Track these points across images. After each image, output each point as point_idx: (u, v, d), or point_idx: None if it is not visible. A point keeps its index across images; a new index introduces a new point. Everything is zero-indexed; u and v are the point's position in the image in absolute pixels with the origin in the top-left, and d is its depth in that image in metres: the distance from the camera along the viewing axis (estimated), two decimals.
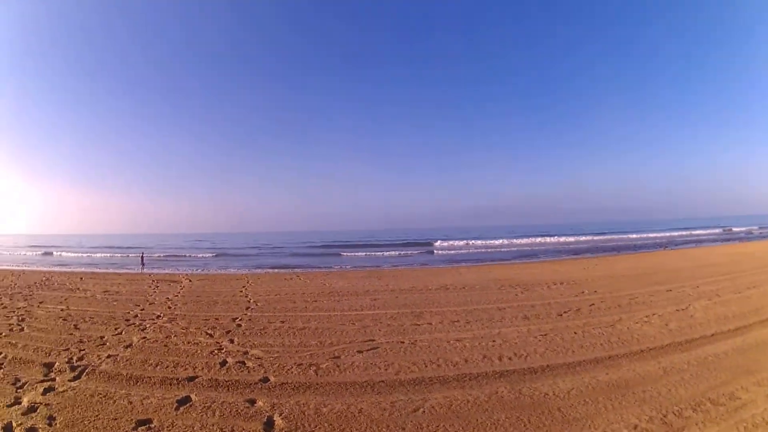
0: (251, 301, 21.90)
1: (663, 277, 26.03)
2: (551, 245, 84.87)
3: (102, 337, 14.31)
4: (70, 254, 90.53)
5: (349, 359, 11.48)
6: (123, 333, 14.98)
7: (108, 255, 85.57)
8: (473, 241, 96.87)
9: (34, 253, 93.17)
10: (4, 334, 14.98)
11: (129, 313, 18.81)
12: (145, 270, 47.09)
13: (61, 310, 19.69)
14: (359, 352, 12.16)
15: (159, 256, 74.67)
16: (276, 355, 12.09)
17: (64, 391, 9.41)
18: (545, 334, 13.40)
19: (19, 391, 9.48)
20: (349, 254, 77.08)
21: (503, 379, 9.68)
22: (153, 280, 32.49)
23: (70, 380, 10.15)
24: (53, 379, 10.21)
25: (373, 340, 13.36)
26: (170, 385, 9.86)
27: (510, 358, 11.10)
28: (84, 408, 8.57)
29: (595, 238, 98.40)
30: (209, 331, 15.06)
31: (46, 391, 9.45)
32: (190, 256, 78.01)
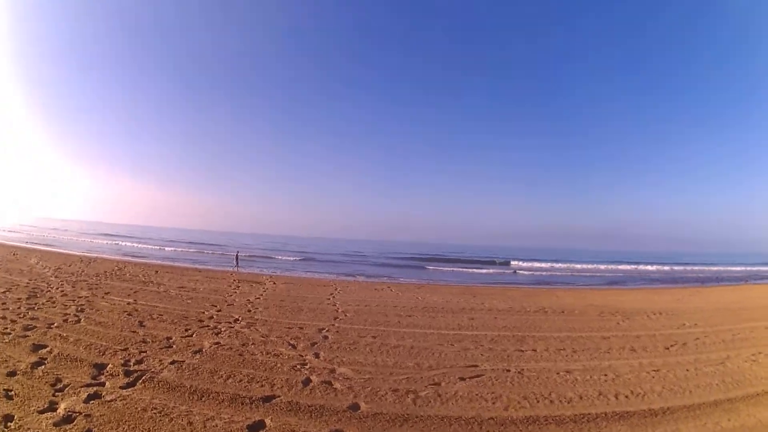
0: (340, 310, 20.61)
1: (759, 313, 24.46)
2: (635, 273, 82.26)
3: (169, 338, 13.05)
4: (146, 246, 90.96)
5: (451, 387, 10.25)
6: (194, 335, 13.72)
7: (189, 250, 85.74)
8: (556, 264, 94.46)
9: (108, 242, 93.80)
10: (56, 324, 13.78)
11: (203, 313, 17.61)
12: (240, 269, 45.97)
13: (128, 303, 18.58)
14: (462, 379, 10.92)
15: (242, 256, 74.48)
16: (367, 376, 10.74)
17: (111, 401, 8.04)
18: (657, 370, 12.38)
19: (57, 395, 8.16)
20: (434, 268, 75.76)
21: (623, 421, 8.69)
22: (234, 280, 31.72)
23: (121, 387, 8.80)
24: (102, 384, 8.87)
25: (476, 366, 12.14)
26: (241, 404, 8.48)
27: (627, 397, 10.07)
28: (132, 424, 7.18)
29: (675, 268, 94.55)
30: (292, 342, 13.70)
31: (90, 398, 8.10)
32: (274, 258, 77.21)
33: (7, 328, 12.78)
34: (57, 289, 20.85)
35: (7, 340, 11.60)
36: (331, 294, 26.65)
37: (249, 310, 19.01)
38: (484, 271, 72.21)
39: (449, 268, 75.48)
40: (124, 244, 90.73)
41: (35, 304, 16.78)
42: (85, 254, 50.05)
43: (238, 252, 55.82)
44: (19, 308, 15.77)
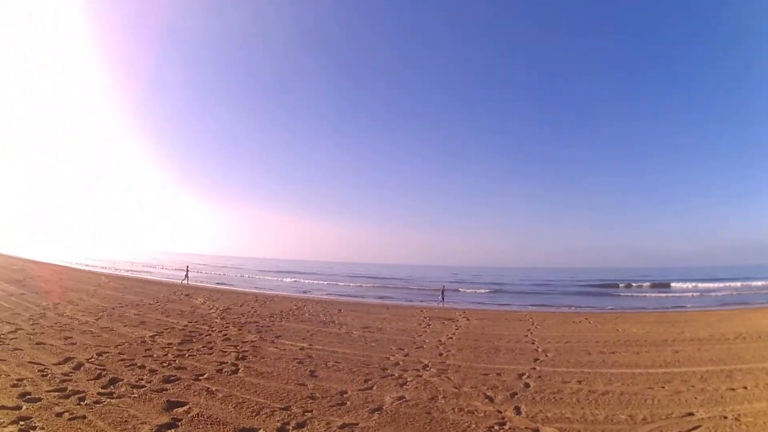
0: (540, 349, 18.71)
1: None
2: None
3: (343, 393, 11.49)
4: (325, 282, 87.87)
5: None
6: (374, 388, 12.12)
7: (372, 285, 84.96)
8: (732, 283, 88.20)
9: (285, 279, 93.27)
10: (205, 375, 12.53)
11: (388, 359, 16.04)
12: (445, 305, 44.41)
13: (300, 349, 17.15)
14: None
15: (431, 288, 73.04)
16: None
17: None
18: None
19: None
20: (624, 294, 73.34)
21: None
22: (425, 317, 29.59)
23: None
24: None
25: (692, 414, 10.62)
26: None
27: None
28: None
29: None
30: (489, 392, 11.94)
31: None
32: (462, 291, 74.54)
33: (142, 380, 11.64)
34: (219, 332, 19.72)
35: (137, 395, 10.39)
36: (529, 330, 24.65)
37: (440, 354, 17.36)
38: (664, 294, 69.18)
39: (640, 294, 72.96)
40: (303, 281, 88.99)
41: (188, 350, 15.74)
42: (261, 292, 49.71)
43: (444, 287, 54.45)
44: (165, 355, 14.76)
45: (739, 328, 25.17)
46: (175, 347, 15.95)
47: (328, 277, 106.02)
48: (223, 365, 13.73)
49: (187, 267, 62.54)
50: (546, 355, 17.36)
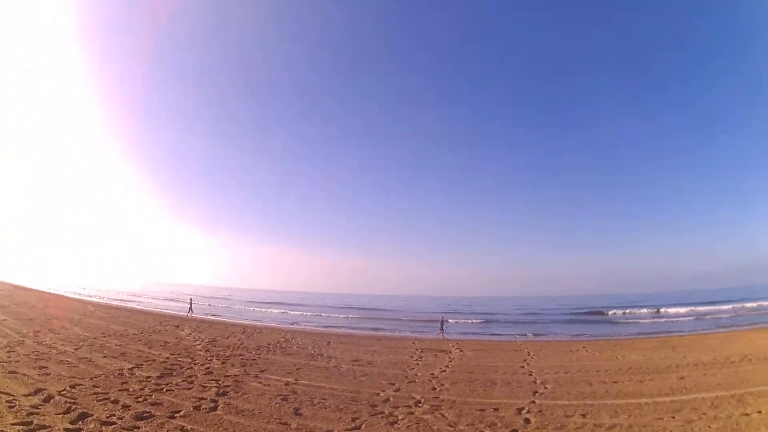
0: (538, 381, 18.07)
1: None
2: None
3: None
4: (310, 313, 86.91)
5: None
6: (362, 427, 11.24)
7: (357, 316, 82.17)
8: (726, 306, 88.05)
9: (269, 309, 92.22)
10: (182, 412, 11.61)
11: (378, 395, 15.11)
12: (445, 335, 43.47)
13: (286, 384, 16.21)
14: None
15: (417, 320, 71.98)
16: None
17: None
18: None
19: None
20: (615, 320, 73.87)
21: None
22: (417, 349, 28.81)
23: None
24: None
25: None
26: None
27: None
28: None
29: None
30: (486, 430, 11.07)
31: None
32: (453, 321, 71.36)
33: (113, 416, 10.84)
34: (202, 365, 18.78)
35: None
36: (525, 360, 24.00)
37: (433, 388, 16.50)
38: (659, 320, 70.03)
39: (634, 320, 72.72)
40: (292, 312, 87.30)
41: (166, 384, 14.85)
42: (249, 323, 48.48)
43: (443, 318, 53.01)
44: (142, 389, 13.89)
45: (742, 349, 24.85)
46: (153, 381, 15.11)
47: (319, 309, 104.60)
48: (202, 401, 12.86)
49: (191, 300, 61.68)
50: (545, 387, 16.61)
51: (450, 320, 70.94)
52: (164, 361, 19.02)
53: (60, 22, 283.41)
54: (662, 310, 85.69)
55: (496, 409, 13.08)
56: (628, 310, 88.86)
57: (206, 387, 14.74)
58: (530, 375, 19.22)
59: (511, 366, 21.90)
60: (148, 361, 18.83)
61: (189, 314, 53.19)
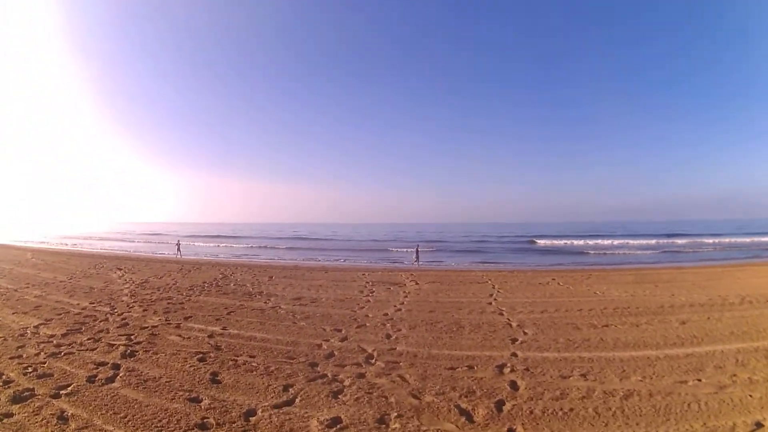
0: (513, 324, 15.23)
1: None
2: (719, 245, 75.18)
3: (249, 415, 7.86)
4: (255, 245, 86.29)
5: None
6: (296, 401, 8.46)
7: (312, 247, 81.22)
8: (676, 239, 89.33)
9: (217, 243, 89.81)
10: (70, 388, 8.92)
11: (320, 346, 12.29)
12: (420, 263, 43.54)
13: (209, 336, 13.36)
14: None
15: (357, 248, 69.85)
16: None
17: None
18: None
19: None
20: (546, 243, 79.33)
21: None
22: (368, 282, 26.33)
23: None
24: None
25: (762, 426, 7.44)
26: None
27: None
28: None
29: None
30: (464, 404, 8.38)
31: None
32: (396, 250, 71.57)
33: None
34: (119, 315, 15.96)
35: None
36: (491, 295, 21.33)
37: (388, 335, 13.64)
38: (622, 250, 69.05)
39: (562, 242, 79.81)
40: (240, 245, 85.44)
41: (69, 344, 12.11)
42: (191, 259, 46.29)
43: (418, 246, 52.65)
44: (38, 354, 11.19)
45: (735, 289, 22.62)
46: (55, 341, 12.38)
47: (268, 240, 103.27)
48: (101, 368, 10.09)
49: (179, 242, 59.29)
50: (524, 333, 13.82)
51: (398, 249, 68.92)
52: (78, 313, 16.25)
53: None
54: (623, 242, 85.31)
55: (470, 367, 10.30)
56: (582, 241, 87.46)
57: (113, 345, 11.96)
58: (501, 314, 16.59)
59: (476, 302, 19.27)
60: (60, 314, 16.03)
61: (177, 255, 51.87)
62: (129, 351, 11.46)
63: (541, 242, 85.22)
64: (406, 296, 21.02)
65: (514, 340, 12.91)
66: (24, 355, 11.06)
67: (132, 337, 12.98)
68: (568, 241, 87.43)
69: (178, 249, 54.89)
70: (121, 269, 31.78)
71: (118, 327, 14.14)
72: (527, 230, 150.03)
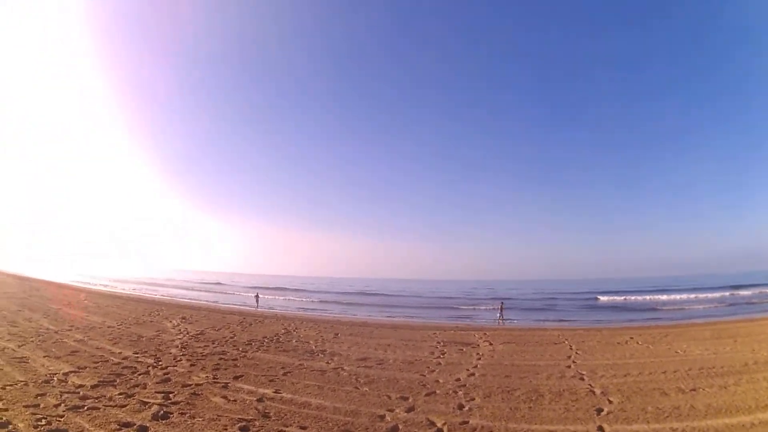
0: (596, 390, 13.78)
1: None
2: None
3: None
4: (326, 299, 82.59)
5: None
6: None
7: (371, 303, 78.57)
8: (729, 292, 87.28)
9: (284, 296, 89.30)
10: None
11: (383, 418, 10.92)
12: (504, 322, 41.69)
13: (258, 400, 11.99)
14: None
15: (427, 305, 68.67)
16: None
17: None
18: None
19: None
20: (609, 300, 77.76)
21: None
22: (438, 342, 24.60)
23: None
24: None
25: None
26: None
27: None
28: None
29: None
30: None
31: None
32: (472, 308, 69.00)
33: None
34: (162, 369, 14.80)
35: None
36: (569, 357, 19.85)
37: (460, 405, 12.10)
38: (688, 307, 64.62)
39: (623, 298, 77.85)
40: (307, 299, 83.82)
41: (97, 397, 11.12)
42: (256, 311, 45.30)
43: (502, 303, 48.32)
44: (57, 406, 10.26)
45: None
46: (82, 392, 11.39)
47: (337, 295, 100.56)
48: (123, 431, 8.93)
49: (257, 294, 59.24)
50: (609, 401, 12.34)
51: (468, 306, 67.51)
52: (118, 363, 15.18)
53: None
54: (690, 296, 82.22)
55: None
56: (648, 297, 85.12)
57: (146, 404, 10.75)
58: (582, 379, 15.09)
59: (555, 366, 17.69)
60: (97, 362, 15.01)
61: (258, 308, 50.84)
62: (162, 412, 10.22)
63: (604, 298, 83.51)
64: (480, 358, 19.52)
65: (599, 411, 11.47)
66: (41, 405, 10.20)
67: (170, 395, 11.75)
68: (631, 297, 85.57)
69: (257, 300, 54.60)
70: (176, 318, 30.79)
71: (157, 382, 12.95)
72: (585, 286, 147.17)
